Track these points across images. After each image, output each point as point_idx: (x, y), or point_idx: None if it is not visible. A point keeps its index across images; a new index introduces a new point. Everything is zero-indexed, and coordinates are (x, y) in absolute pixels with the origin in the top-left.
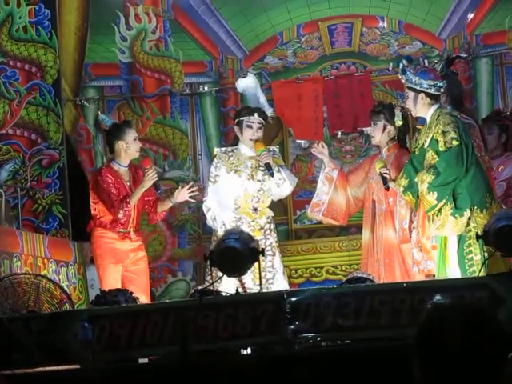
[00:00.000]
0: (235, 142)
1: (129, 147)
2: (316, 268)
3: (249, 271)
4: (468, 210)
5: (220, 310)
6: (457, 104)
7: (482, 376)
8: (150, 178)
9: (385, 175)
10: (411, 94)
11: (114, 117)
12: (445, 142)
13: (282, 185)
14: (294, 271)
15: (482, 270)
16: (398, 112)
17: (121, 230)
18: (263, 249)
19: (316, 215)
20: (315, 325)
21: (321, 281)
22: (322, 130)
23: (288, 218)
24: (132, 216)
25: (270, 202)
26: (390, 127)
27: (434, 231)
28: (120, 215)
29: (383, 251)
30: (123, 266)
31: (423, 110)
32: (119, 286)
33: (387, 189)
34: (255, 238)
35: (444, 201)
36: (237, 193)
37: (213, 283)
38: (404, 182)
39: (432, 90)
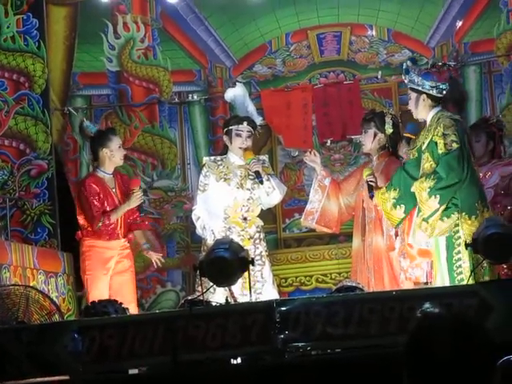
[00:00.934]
0: (224, 151)
1: (113, 155)
2: (305, 276)
3: (238, 281)
4: (456, 214)
5: (210, 320)
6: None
7: None
8: (138, 198)
9: (370, 183)
10: (413, 95)
11: (101, 126)
12: (445, 145)
13: (272, 193)
14: (283, 280)
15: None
16: (388, 120)
17: (108, 237)
18: (253, 258)
19: (310, 223)
20: (305, 334)
21: (310, 289)
22: (311, 139)
23: (277, 226)
24: (120, 223)
25: (259, 211)
26: (380, 135)
27: (423, 236)
28: (98, 227)
29: (372, 259)
30: (110, 276)
31: (424, 111)
32: (107, 297)
33: (371, 197)
34: (245, 248)
35: (445, 205)
36: (226, 202)
37: (203, 293)
38: (393, 193)
39: (434, 92)
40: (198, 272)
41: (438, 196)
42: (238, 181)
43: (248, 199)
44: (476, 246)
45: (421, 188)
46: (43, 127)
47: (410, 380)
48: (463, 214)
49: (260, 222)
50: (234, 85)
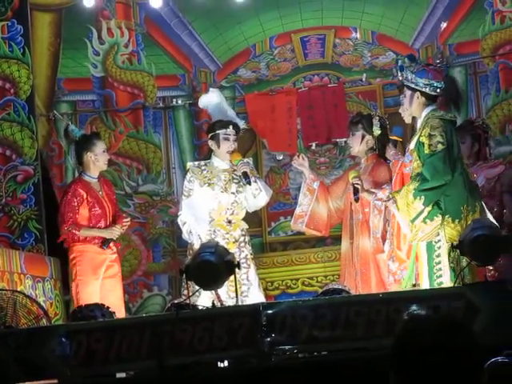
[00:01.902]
0: (208, 155)
1: (97, 159)
2: (292, 280)
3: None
4: (440, 216)
5: (196, 324)
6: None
7: None
8: (114, 234)
9: (356, 186)
10: (408, 93)
11: (86, 131)
12: (430, 146)
13: (258, 195)
14: (269, 283)
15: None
16: (376, 122)
17: (99, 241)
18: (239, 262)
19: (299, 227)
20: (291, 337)
21: (297, 292)
22: (296, 142)
23: (262, 229)
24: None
25: (244, 214)
26: (368, 137)
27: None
28: (64, 231)
29: (359, 261)
30: (100, 280)
31: (418, 109)
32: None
33: (356, 200)
34: (230, 251)
35: (431, 206)
36: (211, 206)
37: (189, 297)
38: (414, 184)
39: (427, 90)
40: (184, 276)
41: (422, 197)
42: (223, 185)
43: (232, 203)
44: (462, 247)
45: (407, 190)
46: (29, 133)
47: (396, 382)
48: (446, 216)
49: (245, 225)
50: (208, 91)
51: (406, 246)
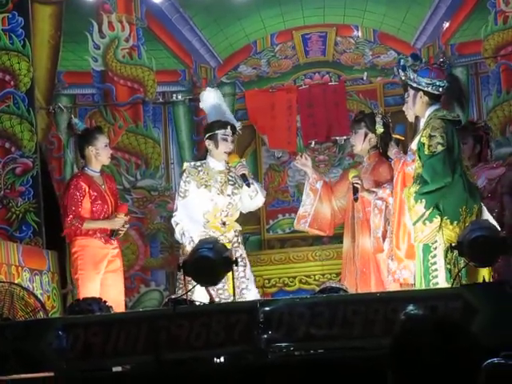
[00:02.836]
0: (203, 156)
1: (99, 153)
2: (289, 277)
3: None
4: (438, 218)
5: (193, 319)
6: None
7: None
8: (119, 223)
9: (356, 185)
10: (411, 92)
11: (86, 125)
12: (429, 147)
13: (255, 197)
14: (266, 281)
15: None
16: (378, 120)
17: (103, 234)
18: (236, 258)
19: (302, 227)
20: (288, 334)
21: (294, 290)
22: (296, 140)
23: (261, 227)
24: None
25: (237, 215)
26: (371, 135)
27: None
28: (67, 226)
29: (360, 260)
30: (102, 276)
31: (421, 109)
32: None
33: (355, 199)
34: (229, 248)
35: (431, 209)
36: (206, 207)
37: (187, 292)
38: (415, 187)
39: (430, 89)
40: (181, 271)
41: (423, 200)
42: (219, 187)
43: (228, 205)
44: (461, 248)
45: (408, 194)
46: (28, 126)
47: (394, 382)
48: (445, 218)
49: (238, 227)
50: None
51: (405, 245)
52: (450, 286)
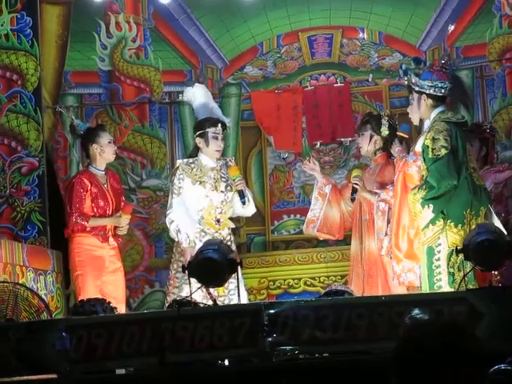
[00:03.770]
0: (194, 152)
1: (103, 150)
2: (294, 279)
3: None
4: (441, 221)
5: (198, 322)
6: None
7: None
8: (123, 222)
9: (355, 185)
10: (415, 96)
11: (92, 124)
12: (433, 150)
13: (247, 207)
14: (271, 282)
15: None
16: (384, 122)
17: (100, 232)
18: (241, 260)
19: (311, 231)
20: (293, 337)
21: (298, 292)
22: (301, 141)
23: (266, 228)
24: (111, 228)
25: (230, 213)
26: (376, 137)
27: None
28: (73, 222)
29: (366, 263)
30: (102, 276)
31: (427, 112)
32: (98, 296)
33: (352, 200)
34: (233, 249)
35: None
36: (201, 204)
37: (191, 294)
38: (422, 193)
39: (432, 91)
40: (186, 272)
41: (431, 205)
42: (212, 183)
43: (222, 201)
44: (467, 252)
45: (414, 200)
46: (35, 125)
47: None
48: (449, 221)
49: (231, 225)
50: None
51: (405, 245)
52: (452, 289)
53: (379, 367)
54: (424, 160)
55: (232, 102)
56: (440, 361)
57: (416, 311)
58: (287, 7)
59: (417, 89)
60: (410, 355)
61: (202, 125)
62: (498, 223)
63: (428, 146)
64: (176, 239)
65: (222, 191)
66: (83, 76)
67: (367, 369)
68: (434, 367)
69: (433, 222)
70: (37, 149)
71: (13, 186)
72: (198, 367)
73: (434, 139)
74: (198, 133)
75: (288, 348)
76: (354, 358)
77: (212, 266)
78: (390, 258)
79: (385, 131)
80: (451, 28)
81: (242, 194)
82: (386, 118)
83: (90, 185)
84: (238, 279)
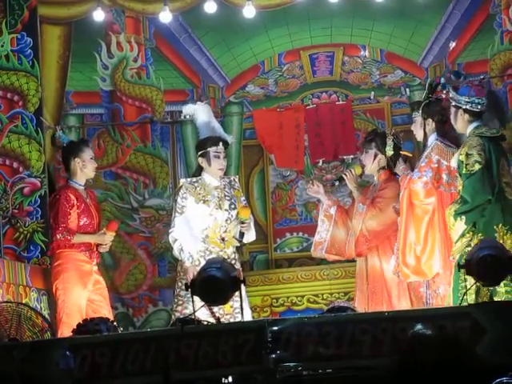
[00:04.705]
0: (198, 172)
1: (85, 165)
2: (297, 297)
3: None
4: (470, 233)
5: (201, 339)
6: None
7: None
8: (107, 240)
9: (343, 175)
10: (452, 110)
11: (93, 144)
12: (466, 165)
13: (248, 234)
14: (274, 300)
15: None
16: (389, 142)
17: (87, 249)
18: (244, 278)
19: (319, 254)
20: (296, 354)
21: (302, 309)
22: (303, 159)
23: (268, 246)
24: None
25: (234, 232)
26: (380, 156)
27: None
28: (58, 238)
29: (369, 279)
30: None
31: (463, 126)
32: (84, 312)
33: (332, 184)
34: (236, 267)
35: (472, 224)
36: (206, 223)
37: (194, 312)
38: (455, 206)
39: (469, 106)
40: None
41: (463, 217)
42: (216, 201)
43: (226, 220)
44: (470, 267)
45: (449, 214)
46: (36, 146)
47: None
48: (479, 235)
49: (236, 243)
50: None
51: (413, 262)
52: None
53: (382, 383)
54: (459, 175)
55: (234, 121)
56: (440, 375)
57: (419, 326)
58: (288, 25)
59: (454, 103)
60: (411, 370)
61: (204, 144)
62: None
63: (462, 162)
64: (179, 258)
65: (226, 209)
66: (85, 96)
67: None
68: (434, 382)
69: (463, 233)
70: (39, 169)
71: (15, 206)
72: None
73: (467, 154)
74: (199, 152)
75: (292, 364)
76: (357, 373)
77: (215, 283)
78: (398, 276)
79: (389, 151)
80: (453, 45)
81: (242, 235)
82: (391, 137)
83: (75, 200)
84: (240, 296)
